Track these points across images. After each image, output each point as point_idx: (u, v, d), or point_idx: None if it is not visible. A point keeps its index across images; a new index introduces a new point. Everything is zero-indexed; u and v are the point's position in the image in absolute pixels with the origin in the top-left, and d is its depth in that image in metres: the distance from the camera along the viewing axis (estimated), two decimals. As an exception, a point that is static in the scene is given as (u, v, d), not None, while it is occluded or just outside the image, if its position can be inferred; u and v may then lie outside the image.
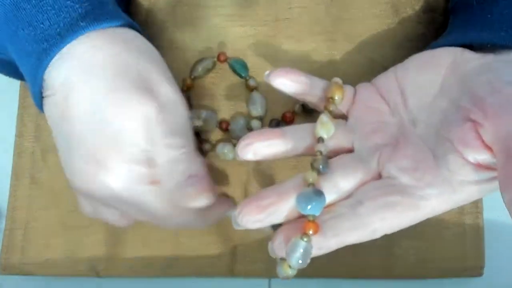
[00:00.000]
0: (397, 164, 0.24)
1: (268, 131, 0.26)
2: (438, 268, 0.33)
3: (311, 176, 0.24)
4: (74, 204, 0.34)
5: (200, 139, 0.33)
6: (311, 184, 0.24)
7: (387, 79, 0.28)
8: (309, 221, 0.23)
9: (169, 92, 0.26)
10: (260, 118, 0.33)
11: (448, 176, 0.23)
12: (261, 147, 0.26)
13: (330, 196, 0.24)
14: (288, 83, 0.27)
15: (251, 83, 0.34)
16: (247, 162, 0.33)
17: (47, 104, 0.26)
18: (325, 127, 0.26)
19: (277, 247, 0.24)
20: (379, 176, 0.25)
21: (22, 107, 0.36)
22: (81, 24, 0.25)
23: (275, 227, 0.25)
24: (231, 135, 0.34)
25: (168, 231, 0.33)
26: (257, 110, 0.33)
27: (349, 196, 0.25)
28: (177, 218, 0.26)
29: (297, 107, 0.34)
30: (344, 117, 0.28)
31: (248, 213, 0.24)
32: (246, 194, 0.33)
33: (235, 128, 0.33)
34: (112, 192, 0.25)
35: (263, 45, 0.35)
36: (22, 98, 0.36)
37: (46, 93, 0.25)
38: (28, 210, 0.35)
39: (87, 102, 0.24)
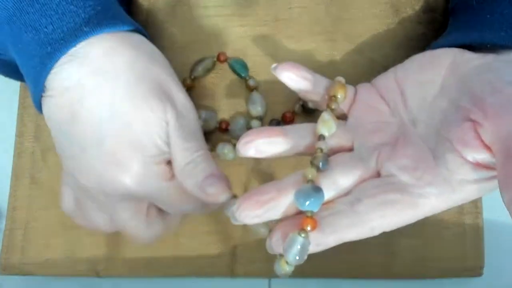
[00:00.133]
0: (397, 163, 0.24)
1: (269, 128, 0.26)
2: (438, 268, 0.33)
3: (311, 173, 0.24)
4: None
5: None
6: (310, 181, 0.24)
7: (387, 80, 0.28)
8: (307, 217, 0.23)
9: (182, 98, 0.27)
10: (260, 118, 0.33)
11: (447, 175, 0.23)
12: (262, 144, 0.26)
13: (329, 193, 0.24)
14: (294, 77, 0.28)
15: (251, 83, 0.34)
16: (247, 162, 0.33)
17: (47, 104, 0.26)
18: (326, 125, 0.26)
19: (274, 243, 0.24)
20: (378, 175, 0.25)
21: (22, 107, 0.36)
22: (85, 29, 0.25)
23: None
24: (231, 135, 0.34)
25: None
26: (257, 110, 0.33)
27: (348, 193, 0.25)
28: (185, 205, 0.27)
29: (297, 107, 0.34)
30: (344, 116, 0.28)
31: (247, 208, 0.24)
32: (246, 194, 0.33)
33: (235, 128, 0.33)
34: (127, 190, 0.25)
35: (263, 45, 0.35)
36: (22, 98, 0.37)
37: (47, 93, 0.26)
38: (28, 210, 0.35)
39: (105, 106, 0.25)
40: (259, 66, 0.34)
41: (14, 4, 0.25)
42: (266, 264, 0.33)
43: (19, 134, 0.36)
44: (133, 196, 0.26)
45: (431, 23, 0.34)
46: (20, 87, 0.37)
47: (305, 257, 0.23)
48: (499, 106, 0.21)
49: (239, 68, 0.34)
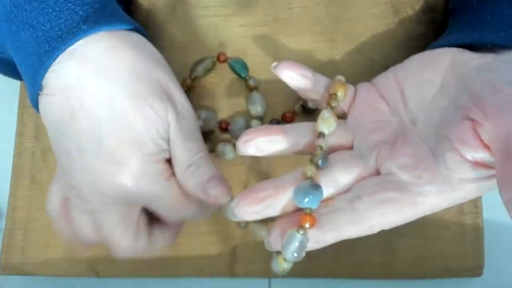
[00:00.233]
0: (396, 162, 0.24)
1: (269, 127, 0.26)
2: (438, 267, 0.33)
3: (310, 170, 0.24)
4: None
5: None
6: (309, 178, 0.24)
7: (387, 79, 0.28)
8: (305, 214, 0.23)
9: (182, 99, 0.27)
10: (260, 118, 0.33)
11: (447, 174, 0.23)
12: (262, 142, 0.26)
13: (328, 190, 0.25)
14: (294, 76, 0.28)
15: (251, 83, 0.34)
16: (246, 162, 0.34)
17: (44, 102, 0.26)
18: (326, 123, 0.26)
19: (273, 240, 0.24)
20: (378, 173, 0.25)
21: (22, 107, 0.36)
22: (83, 27, 0.25)
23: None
24: (231, 135, 0.34)
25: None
26: (257, 110, 0.33)
27: (347, 191, 0.25)
28: (183, 209, 0.27)
29: (297, 107, 0.34)
30: (344, 115, 0.28)
31: (245, 205, 0.24)
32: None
33: (235, 128, 0.33)
34: (125, 190, 0.25)
35: (263, 45, 0.35)
36: (22, 98, 0.37)
37: (44, 91, 0.25)
38: (28, 210, 0.35)
39: (105, 106, 0.24)
40: (259, 66, 0.34)
41: (12, 2, 0.25)
42: (266, 264, 0.33)
43: (19, 134, 0.36)
44: (130, 197, 0.25)
45: (431, 23, 0.34)
46: (20, 87, 0.37)
47: (303, 254, 0.23)
48: (498, 106, 0.21)
49: (239, 68, 0.34)
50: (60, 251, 0.34)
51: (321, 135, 0.26)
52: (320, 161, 0.25)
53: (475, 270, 0.33)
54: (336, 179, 0.25)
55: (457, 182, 0.22)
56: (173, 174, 0.27)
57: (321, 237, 0.23)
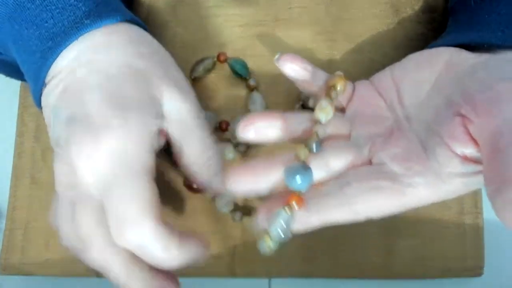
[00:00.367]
0: (388, 153, 0.25)
1: (268, 112, 0.27)
2: (438, 267, 0.33)
3: (303, 153, 0.25)
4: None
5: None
6: (301, 161, 0.25)
7: (384, 77, 0.28)
8: (293, 194, 0.24)
9: (192, 90, 0.27)
10: (260, 118, 0.33)
11: (436, 168, 0.23)
12: (262, 127, 0.26)
13: (319, 174, 0.25)
14: (297, 68, 0.28)
15: (251, 83, 0.34)
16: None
17: (46, 92, 0.25)
18: (324, 111, 0.26)
19: (260, 219, 0.25)
20: (370, 163, 0.26)
21: (22, 107, 0.36)
22: (86, 22, 0.25)
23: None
24: (231, 135, 0.34)
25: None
26: (257, 110, 0.33)
27: (338, 177, 0.25)
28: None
29: (297, 107, 0.34)
30: (343, 110, 0.29)
31: (238, 177, 0.25)
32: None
33: (235, 128, 0.33)
34: (112, 151, 0.23)
35: (263, 45, 0.35)
36: (22, 98, 0.37)
37: (46, 80, 0.25)
38: (28, 210, 0.35)
39: (96, 74, 0.24)
40: (259, 66, 0.34)
41: (15, 1, 0.25)
42: (266, 264, 0.33)
43: (19, 134, 0.36)
44: (114, 166, 0.23)
45: (431, 23, 0.35)
46: (20, 87, 0.37)
47: (289, 234, 0.24)
48: (488, 102, 0.21)
49: (239, 68, 0.34)
50: (60, 251, 0.34)
51: (318, 122, 0.26)
52: (314, 146, 0.25)
53: (475, 270, 0.33)
54: (328, 163, 0.25)
55: (446, 176, 0.23)
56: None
57: (307, 218, 0.24)
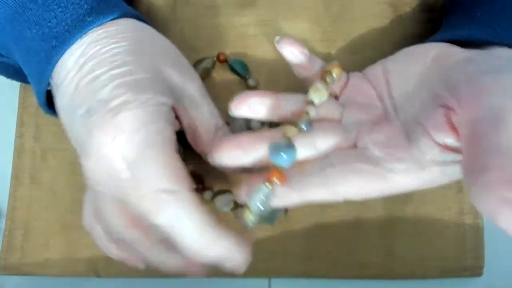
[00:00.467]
0: (373, 138, 0.25)
1: (262, 91, 0.27)
2: (438, 267, 0.33)
3: (290, 131, 0.25)
4: (74, 204, 0.34)
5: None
6: (288, 138, 0.25)
7: (376, 70, 0.29)
8: (275, 169, 0.24)
9: (189, 67, 0.29)
10: (260, 118, 0.33)
11: (417, 155, 0.24)
12: (255, 103, 0.27)
13: (306, 152, 0.26)
14: (295, 52, 0.28)
15: (251, 83, 0.34)
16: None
17: (58, 93, 0.26)
18: (317, 93, 0.27)
19: (242, 192, 0.26)
20: (355, 147, 0.26)
21: (22, 107, 0.36)
22: (88, 19, 0.25)
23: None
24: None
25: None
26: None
27: (322, 158, 0.26)
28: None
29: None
30: (336, 98, 0.29)
31: (224, 149, 0.25)
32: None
33: (235, 128, 0.33)
34: (134, 130, 0.23)
35: (263, 45, 0.35)
36: (22, 98, 0.37)
37: (57, 82, 0.26)
38: (28, 210, 0.35)
39: (109, 64, 0.24)
40: (259, 66, 0.34)
41: (16, 2, 0.25)
42: (266, 264, 0.33)
43: (19, 134, 0.36)
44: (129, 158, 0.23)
45: (430, 23, 0.35)
46: (20, 87, 0.37)
47: (269, 208, 0.24)
48: (472, 94, 0.22)
49: (239, 68, 0.34)
50: (60, 251, 0.34)
51: (310, 103, 0.26)
52: (303, 125, 0.25)
53: (475, 270, 0.33)
54: (315, 143, 0.26)
55: (426, 163, 0.23)
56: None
57: (287, 194, 0.25)
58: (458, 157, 0.23)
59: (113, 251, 0.27)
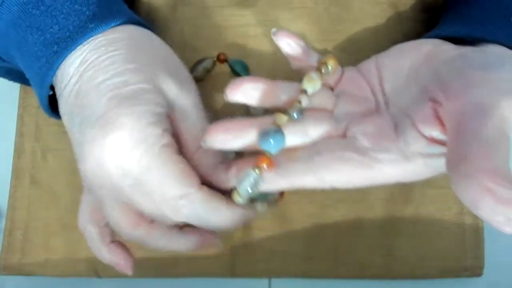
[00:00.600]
0: (362, 128, 0.26)
1: (257, 77, 0.28)
2: (438, 267, 0.33)
3: (280, 119, 0.25)
4: (74, 204, 0.34)
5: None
6: (277, 125, 0.25)
7: (369, 65, 0.29)
8: (263, 155, 0.24)
9: (184, 71, 0.28)
10: (260, 118, 0.33)
11: (403, 146, 0.24)
12: (249, 89, 0.27)
13: (296, 140, 0.26)
14: (292, 44, 0.28)
15: (251, 83, 0.34)
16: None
17: (63, 101, 0.26)
18: (311, 82, 0.27)
19: (231, 176, 0.26)
20: (344, 137, 0.26)
21: (22, 107, 0.36)
22: (90, 25, 0.25)
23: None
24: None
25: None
26: (256, 110, 0.33)
27: (311, 146, 0.26)
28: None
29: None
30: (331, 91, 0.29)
31: (217, 133, 0.25)
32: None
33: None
34: (127, 144, 0.24)
35: (263, 45, 0.35)
36: (22, 98, 0.37)
37: (60, 88, 0.26)
38: (28, 210, 0.35)
39: (106, 74, 0.25)
40: (259, 66, 0.34)
41: (19, 7, 0.25)
42: (266, 264, 0.33)
43: (19, 134, 0.36)
44: (125, 170, 0.24)
45: (430, 22, 0.35)
46: (20, 87, 0.37)
47: (257, 192, 0.25)
48: (459, 87, 0.22)
49: (239, 68, 0.34)
50: (60, 251, 0.34)
51: (303, 92, 0.27)
52: (295, 113, 0.26)
53: (475, 270, 0.33)
54: (306, 131, 0.26)
55: (411, 154, 0.24)
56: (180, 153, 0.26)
57: (274, 180, 0.25)
58: (443, 149, 0.23)
59: (105, 255, 0.28)
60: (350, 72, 0.29)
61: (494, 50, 0.25)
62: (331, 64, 0.28)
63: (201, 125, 0.27)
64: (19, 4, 0.25)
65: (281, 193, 0.30)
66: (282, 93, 0.27)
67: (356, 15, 0.35)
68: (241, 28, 0.35)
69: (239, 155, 0.32)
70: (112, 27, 0.26)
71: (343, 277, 0.33)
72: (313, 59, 0.29)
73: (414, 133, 0.24)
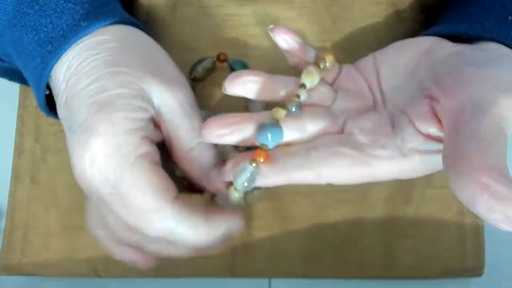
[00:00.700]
0: (358, 124, 0.26)
1: (256, 70, 0.27)
2: (438, 268, 0.33)
3: (278, 113, 0.25)
4: (74, 204, 0.34)
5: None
6: (275, 119, 0.25)
7: (367, 62, 0.29)
8: (261, 150, 0.24)
9: (187, 83, 0.28)
10: (260, 118, 0.33)
11: (400, 143, 0.24)
12: (248, 82, 0.27)
13: (293, 134, 0.26)
14: (289, 40, 0.28)
15: (251, 83, 0.34)
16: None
17: (58, 106, 0.26)
18: (309, 76, 0.27)
19: (228, 170, 0.26)
20: (342, 133, 0.26)
21: (22, 107, 0.36)
22: (83, 24, 0.25)
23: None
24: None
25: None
26: (256, 110, 0.33)
27: (309, 141, 0.26)
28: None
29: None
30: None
31: (215, 126, 0.25)
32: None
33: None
34: (104, 153, 0.23)
35: (263, 45, 0.35)
36: (22, 98, 0.37)
37: (56, 91, 0.26)
38: (28, 210, 0.35)
39: (86, 78, 0.24)
40: (259, 66, 0.34)
41: (14, 7, 0.25)
42: (266, 264, 0.33)
43: (19, 134, 0.36)
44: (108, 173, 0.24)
45: (429, 22, 0.35)
46: (20, 87, 0.37)
47: (253, 186, 0.25)
48: (455, 83, 0.22)
49: (239, 68, 0.34)
50: (60, 251, 0.34)
51: (302, 86, 0.27)
52: (293, 108, 0.26)
53: (475, 270, 0.33)
54: (303, 126, 0.26)
55: (408, 151, 0.24)
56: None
57: (271, 174, 0.25)
58: (440, 146, 0.23)
59: (120, 255, 0.28)
60: (347, 69, 0.29)
61: (492, 48, 0.25)
62: (329, 59, 0.28)
63: (190, 124, 0.26)
64: (13, 4, 0.25)
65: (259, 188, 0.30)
66: (281, 87, 0.27)
67: (356, 14, 0.35)
68: (241, 28, 0.35)
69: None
70: (104, 26, 0.26)
71: (343, 277, 0.33)
72: (311, 55, 0.29)
73: (411, 130, 0.24)
